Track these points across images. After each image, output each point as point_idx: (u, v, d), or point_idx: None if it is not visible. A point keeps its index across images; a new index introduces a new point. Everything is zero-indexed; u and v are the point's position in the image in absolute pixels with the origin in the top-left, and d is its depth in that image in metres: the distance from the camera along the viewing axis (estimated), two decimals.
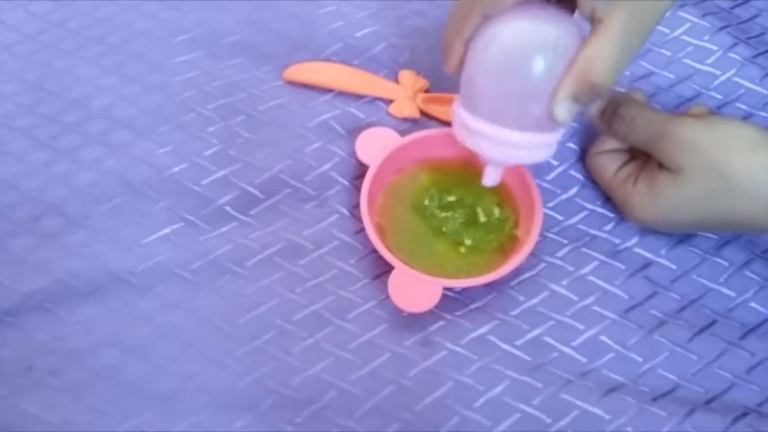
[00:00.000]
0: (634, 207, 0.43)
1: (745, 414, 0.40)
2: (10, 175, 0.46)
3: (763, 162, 0.39)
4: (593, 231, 0.46)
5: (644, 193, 0.43)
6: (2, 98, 0.49)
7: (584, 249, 0.45)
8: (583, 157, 0.48)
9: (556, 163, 0.48)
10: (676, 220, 0.42)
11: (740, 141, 0.40)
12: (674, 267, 0.45)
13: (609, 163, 0.45)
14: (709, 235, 0.46)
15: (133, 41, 0.52)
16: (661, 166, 0.42)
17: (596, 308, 0.43)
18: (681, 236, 0.45)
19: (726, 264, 0.45)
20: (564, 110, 0.36)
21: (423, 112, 0.49)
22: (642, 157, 0.44)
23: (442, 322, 0.43)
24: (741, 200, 0.40)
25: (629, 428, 0.40)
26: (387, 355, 0.42)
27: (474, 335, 0.42)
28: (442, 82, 0.51)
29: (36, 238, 0.44)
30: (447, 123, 0.49)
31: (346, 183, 0.47)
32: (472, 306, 0.43)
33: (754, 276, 0.45)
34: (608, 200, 0.46)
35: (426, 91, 0.50)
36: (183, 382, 0.40)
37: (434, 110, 0.49)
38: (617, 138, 0.44)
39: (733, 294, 0.44)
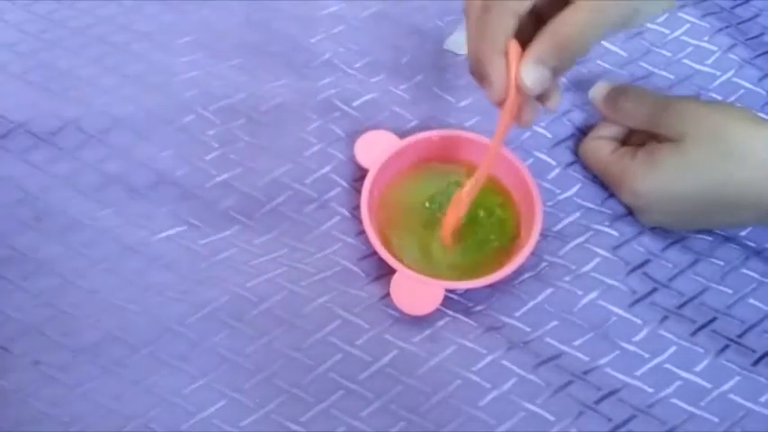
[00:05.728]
0: (633, 175, 0.43)
1: (744, 416, 0.41)
2: (13, 174, 0.46)
3: (763, 132, 0.41)
4: (594, 226, 0.46)
5: (644, 161, 0.43)
6: (6, 98, 0.49)
7: (585, 245, 0.45)
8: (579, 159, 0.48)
9: (554, 163, 0.48)
10: (674, 191, 0.42)
11: (740, 115, 0.42)
12: (671, 266, 0.45)
13: (606, 144, 0.46)
14: (705, 237, 0.46)
15: (134, 42, 0.52)
16: (661, 141, 0.43)
17: (601, 302, 0.43)
18: (676, 236, 0.46)
19: (721, 263, 0.45)
20: (530, 73, 0.36)
21: None
22: (639, 143, 0.45)
23: (448, 318, 0.43)
24: (741, 165, 0.41)
25: (628, 429, 0.40)
26: (395, 351, 0.42)
27: (481, 332, 0.42)
28: (446, 86, 0.51)
29: (40, 237, 0.44)
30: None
31: (347, 185, 0.47)
32: (475, 308, 0.43)
33: (751, 274, 0.45)
34: (607, 199, 0.47)
35: None
36: (190, 380, 0.41)
37: None
38: (621, 115, 0.45)
39: (730, 291, 0.44)
